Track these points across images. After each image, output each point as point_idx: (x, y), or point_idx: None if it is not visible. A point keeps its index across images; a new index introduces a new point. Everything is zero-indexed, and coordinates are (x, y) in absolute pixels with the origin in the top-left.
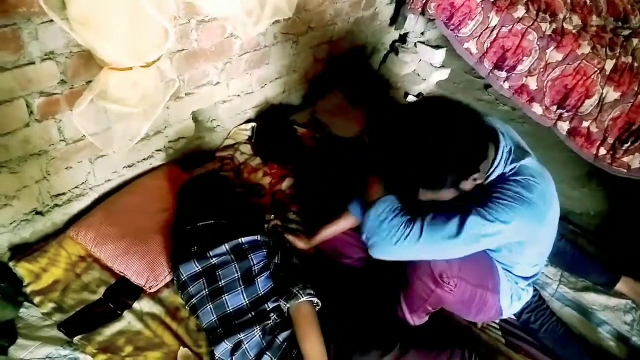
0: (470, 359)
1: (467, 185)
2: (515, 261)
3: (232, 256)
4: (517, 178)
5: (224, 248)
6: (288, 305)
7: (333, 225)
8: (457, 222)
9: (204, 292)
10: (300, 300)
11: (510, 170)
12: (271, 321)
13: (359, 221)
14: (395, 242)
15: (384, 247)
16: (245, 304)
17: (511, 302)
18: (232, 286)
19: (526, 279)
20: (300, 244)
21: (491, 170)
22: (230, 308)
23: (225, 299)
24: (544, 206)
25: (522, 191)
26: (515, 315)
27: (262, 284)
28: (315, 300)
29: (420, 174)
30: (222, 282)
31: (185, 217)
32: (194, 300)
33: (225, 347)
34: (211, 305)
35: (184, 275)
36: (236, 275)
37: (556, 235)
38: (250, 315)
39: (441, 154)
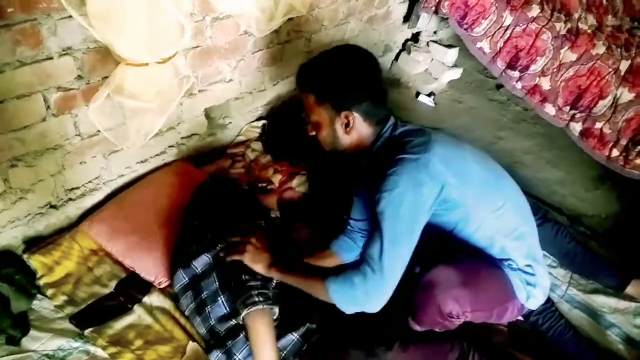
0: (469, 353)
1: (339, 122)
2: (486, 228)
3: (212, 264)
4: (396, 143)
5: (206, 257)
6: (240, 319)
7: (298, 279)
8: (378, 223)
9: (192, 305)
10: (244, 313)
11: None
12: None
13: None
14: (367, 292)
15: (369, 302)
16: (226, 312)
17: (527, 294)
18: (213, 297)
19: (532, 262)
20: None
21: (384, 129)
22: (213, 319)
23: (208, 311)
24: (424, 155)
25: (398, 154)
26: (522, 316)
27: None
28: (263, 307)
29: (318, 80)
30: (204, 293)
31: (186, 220)
32: (186, 312)
33: (217, 354)
34: (199, 318)
35: (176, 287)
36: (215, 284)
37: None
38: (232, 322)
39: (340, 68)
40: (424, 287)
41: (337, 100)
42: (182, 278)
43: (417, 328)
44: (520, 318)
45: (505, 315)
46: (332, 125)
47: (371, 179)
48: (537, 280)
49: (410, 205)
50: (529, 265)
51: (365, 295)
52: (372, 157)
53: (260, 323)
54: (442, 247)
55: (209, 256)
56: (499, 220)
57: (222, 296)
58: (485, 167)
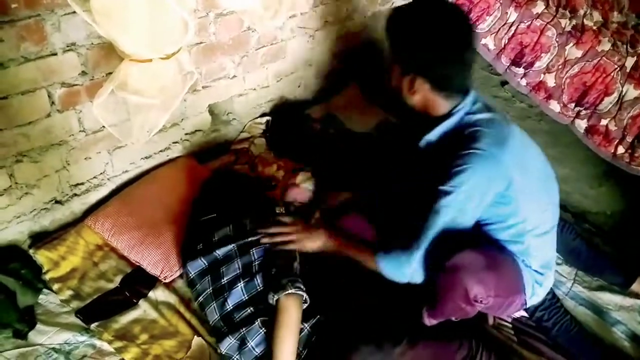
0: (477, 351)
1: (405, 81)
2: (520, 228)
3: (237, 252)
4: (471, 130)
5: (231, 246)
6: (275, 297)
7: (352, 250)
8: (437, 209)
9: (209, 290)
10: (286, 292)
11: (468, 123)
12: (270, 317)
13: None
14: (407, 259)
15: (408, 267)
16: (244, 299)
17: (532, 290)
18: (233, 283)
19: (542, 266)
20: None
21: (459, 106)
22: (230, 305)
23: (226, 296)
24: (498, 150)
25: (473, 144)
26: (527, 312)
27: (261, 280)
28: (304, 295)
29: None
30: (225, 279)
31: (195, 211)
32: (200, 299)
33: (229, 342)
34: (215, 304)
35: (192, 273)
36: (238, 271)
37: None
38: (249, 310)
39: (416, 28)
40: (449, 271)
41: (404, 61)
42: (201, 264)
43: (431, 322)
44: (525, 314)
45: (510, 308)
46: (399, 81)
47: (437, 160)
48: (544, 280)
49: (476, 203)
50: (543, 267)
51: (412, 272)
52: (442, 137)
53: (296, 307)
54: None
55: (234, 245)
56: (539, 220)
57: (241, 282)
58: (542, 165)
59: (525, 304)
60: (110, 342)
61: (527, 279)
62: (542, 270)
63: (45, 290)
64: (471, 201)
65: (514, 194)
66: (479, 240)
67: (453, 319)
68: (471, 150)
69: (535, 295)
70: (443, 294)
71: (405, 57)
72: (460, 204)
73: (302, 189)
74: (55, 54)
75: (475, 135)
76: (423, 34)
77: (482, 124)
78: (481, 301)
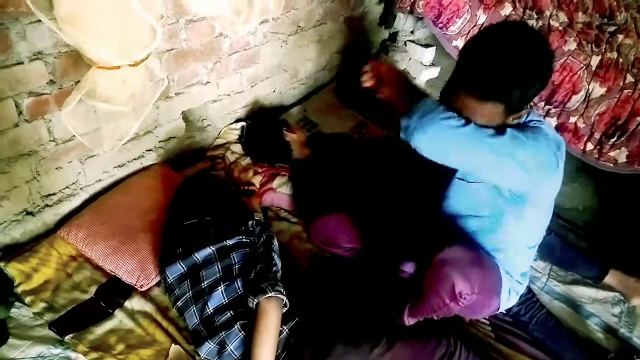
0: (456, 347)
1: (509, 119)
2: (511, 238)
3: (216, 255)
4: (534, 126)
5: (210, 249)
6: (255, 301)
7: None
8: (498, 131)
9: (188, 293)
10: (266, 295)
11: (530, 121)
12: (250, 320)
13: None
14: (443, 118)
15: (431, 122)
16: (224, 302)
17: (508, 295)
18: (213, 286)
19: (521, 274)
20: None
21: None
22: (211, 308)
23: (206, 299)
24: (558, 154)
25: (540, 136)
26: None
27: (242, 283)
28: (284, 299)
29: (513, 83)
30: (205, 283)
31: (173, 217)
32: (179, 303)
33: (209, 346)
34: (194, 308)
35: (170, 278)
36: (218, 274)
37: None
38: (229, 314)
39: (533, 73)
40: (437, 265)
41: (515, 106)
42: (180, 268)
43: (410, 321)
44: (503, 311)
45: (483, 310)
46: (470, 106)
47: None
48: (518, 289)
49: (524, 157)
50: (523, 275)
51: (438, 114)
52: None
53: (276, 310)
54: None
55: (213, 249)
56: (529, 238)
57: (222, 286)
58: (553, 195)
59: (499, 309)
60: (85, 354)
61: (505, 285)
62: (521, 279)
63: (17, 304)
64: (528, 152)
65: (526, 201)
66: (466, 241)
67: (435, 317)
68: (546, 138)
69: (508, 300)
70: (429, 287)
71: (520, 102)
72: (522, 145)
73: (279, 193)
74: (22, 63)
75: (546, 133)
76: (538, 77)
77: (541, 124)
78: (465, 297)
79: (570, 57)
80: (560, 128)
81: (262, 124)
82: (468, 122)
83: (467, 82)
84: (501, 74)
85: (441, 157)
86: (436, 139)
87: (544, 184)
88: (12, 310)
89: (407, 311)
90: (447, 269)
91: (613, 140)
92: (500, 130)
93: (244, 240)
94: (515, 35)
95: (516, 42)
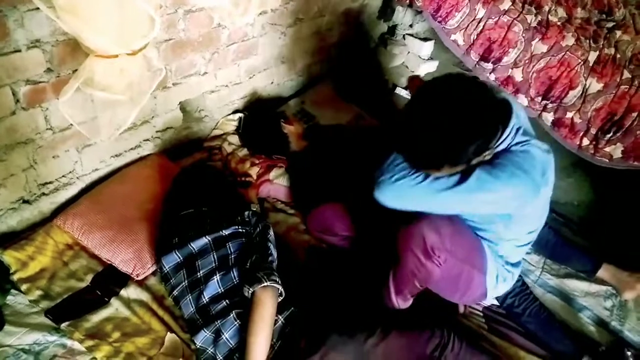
0: (449, 338)
1: (476, 161)
2: (501, 237)
3: (212, 245)
4: (522, 149)
5: (205, 239)
6: (251, 290)
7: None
8: (459, 175)
9: (184, 283)
10: (262, 285)
11: (517, 144)
12: (245, 309)
13: None
14: (400, 179)
15: (389, 184)
16: (220, 291)
17: (496, 282)
18: (209, 275)
19: (512, 264)
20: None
21: (497, 144)
22: (207, 297)
23: (202, 289)
24: (541, 180)
25: (522, 162)
26: (498, 300)
27: (238, 273)
28: (280, 288)
29: (445, 153)
30: (201, 272)
31: (170, 207)
32: (175, 292)
33: (204, 335)
34: (190, 297)
35: (166, 267)
36: (214, 264)
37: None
38: (224, 303)
39: (464, 134)
40: (409, 225)
41: (466, 161)
42: (175, 258)
43: (396, 301)
44: (496, 302)
45: (469, 289)
46: (445, 172)
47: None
48: (507, 277)
49: (488, 199)
50: (512, 266)
51: (394, 175)
52: None
53: (272, 299)
54: None
55: (209, 238)
56: (523, 236)
57: (218, 275)
58: (550, 193)
59: (486, 292)
60: (81, 341)
61: (492, 268)
62: (511, 268)
63: (13, 291)
64: (492, 194)
65: (513, 219)
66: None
67: (418, 285)
68: (523, 166)
69: (496, 288)
70: (403, 247)
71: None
72: (486, 188)
73: (276, 184)
74: (19, 51)
75: (529, 156)
76: (477, 137)
77: (538, 153)
78: (438, 255)
79: (568, 52)
80: (556, 123)
81: (260, 115)
82: (427, 175)
83: (406, 159)
84: (432, 149)
85: (409, 209)
86: (396, 198)
87: (524, 208)
88: (8, 297)
89: (392, 284)
90: (418, 224)
91: (609, 135)
92: (467, 172)
93: (240, 230)
94: (440, 101)
95: (441, 109)
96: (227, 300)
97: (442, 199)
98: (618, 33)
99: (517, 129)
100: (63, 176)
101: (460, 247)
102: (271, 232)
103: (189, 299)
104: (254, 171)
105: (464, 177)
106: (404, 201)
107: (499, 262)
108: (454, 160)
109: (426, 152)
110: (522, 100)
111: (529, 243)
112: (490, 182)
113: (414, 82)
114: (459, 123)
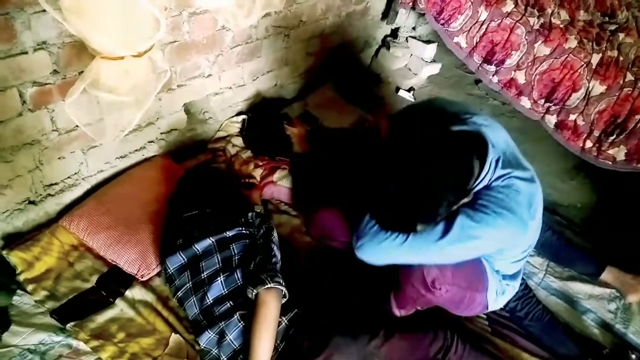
0: (452, 341)
1: (456, 207)
2: (495, 258)
3: (216, 246)
4: (503, 185)
5: (209, 240)
6: (254, 292)
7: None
8: (443, 225)
9: (188, 284)
10: (265, 286)
11: (498, 178)
12: (249, 311)
13: None
14: (381, 241)
15: (370, 247)
16: (224, 292)
17: (496, 296)
18: (213, 277)
19: (509, 277)
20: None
21: (476, 183)
22: (210, 299)
23: (206, 290)
24: (527, 215)
25: (506, 199)
26: None
27: (241, 274)
28: (283, 290)
29: (418, 218)
30: (205, 273)
31: (174, 209)
32: (179, 293)
33: (208, 336)
34: (194, 298)
35: (171, 268)
36: (218, 265)
37: (540, 229)
38: (228, 304)
39: (434, 195)
40: None
41: (442, 216)
42: (180, 259)
43: (400, 312)
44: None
45: (472, 305)
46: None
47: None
48: (506, 289)
49: (474, 246)
50: (510, 279)
51: (377, 237)
52: None
53: (275, 301)
54: None
55: (213, 240)
56: (519, 256)
57: (221, 277)
58: (537, 231)
59: (487, 306)
60: (86, 342)
61: (492, 284)
62: (509, 282)
63: (19, 292)
64: (477, 242)
65: (507, 248)
66: None
67: (419, 308)
68: (507, 205)
69: (496, 301)
70: (403, 279)
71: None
72: (470, 235)
73: (280, 186)
74: (26, 53)
75: (513, 192)
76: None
77: (521, 187)
78: (440, 287)
79: (570, 54)
80: (559, 126)
81: (263, 117)
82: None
83: (382, 228)
84: (404, 217)
85: (399, 263)
86: (382, 259)
87: (512, 243)
88: (14, 297)
89: (394, 302)
90: None
91: (612, 138)
92: (450, 218)
93: (244, 231)
94: (406, 160)
95: (406, 171)
96: (231, 302)
97: (428, 253)
98: (621, 35)
99: (497, 161)
100: (68, 177)
101: (462, 276)
102: (275, 234)
103: (193, 300)
104: (258, 173)
105: (447, 226)
106: (391, 259)
107: (495, 278)
108: (430, 220)
109: (398, 221)
110: (525, 102)
111: (524, 258)
112: (474, 229)
113: (382, 123)
114: (427, 185)
